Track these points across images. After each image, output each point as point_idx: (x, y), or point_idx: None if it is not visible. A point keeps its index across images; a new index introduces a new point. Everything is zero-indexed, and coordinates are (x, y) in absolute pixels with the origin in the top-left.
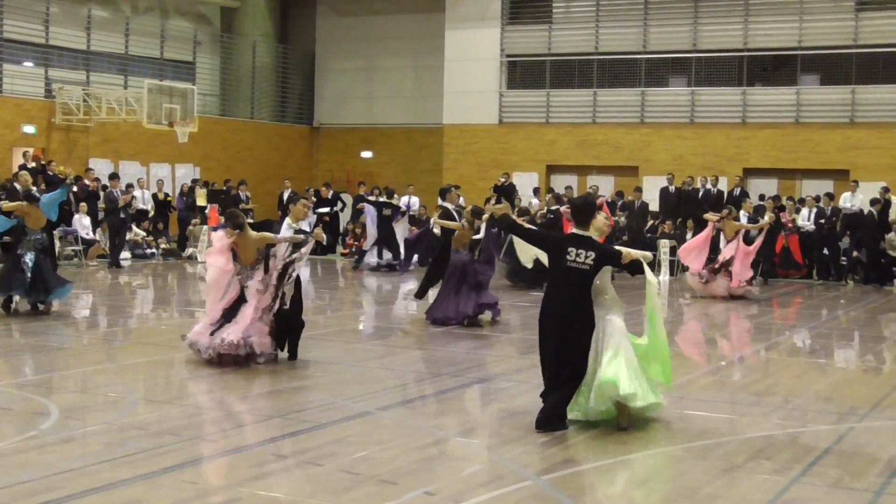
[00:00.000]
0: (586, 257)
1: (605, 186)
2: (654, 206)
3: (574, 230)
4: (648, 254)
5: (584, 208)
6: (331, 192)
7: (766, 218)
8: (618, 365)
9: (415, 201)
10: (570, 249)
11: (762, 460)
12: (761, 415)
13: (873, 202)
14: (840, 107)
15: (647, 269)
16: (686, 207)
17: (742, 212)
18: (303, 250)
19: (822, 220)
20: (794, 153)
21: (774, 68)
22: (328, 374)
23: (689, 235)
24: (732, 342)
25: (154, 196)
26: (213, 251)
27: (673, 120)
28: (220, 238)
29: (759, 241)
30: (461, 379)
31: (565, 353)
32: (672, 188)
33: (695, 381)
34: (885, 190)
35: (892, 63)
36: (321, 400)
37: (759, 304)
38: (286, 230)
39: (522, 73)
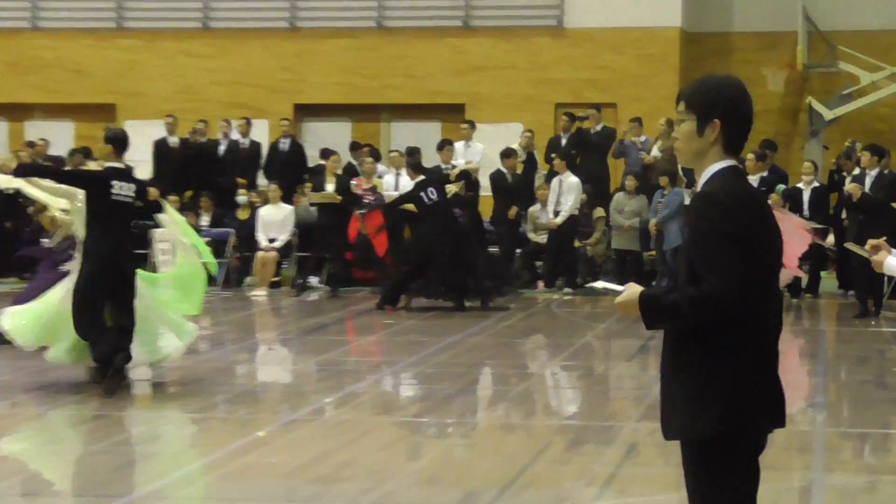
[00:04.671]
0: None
1: (47, 133)
2: (145, 169)
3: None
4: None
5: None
6: None
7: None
8: None
9: None
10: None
11: None
12: None
13: (505, 154)
14: (448, 0)
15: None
16: (198, 170)
17: None
18: None
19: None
20: (377, 79)
21: None
22: None
23: (204, 219)
24: (279, 396)
25: None
26: None
27: (174, 24)
28: None
29: None
30: None
31: None
32: (174, 140)
33: (216, 465)
34: (531, 137)
35: None
36: None
37: (324, 330)
38: None
39: None
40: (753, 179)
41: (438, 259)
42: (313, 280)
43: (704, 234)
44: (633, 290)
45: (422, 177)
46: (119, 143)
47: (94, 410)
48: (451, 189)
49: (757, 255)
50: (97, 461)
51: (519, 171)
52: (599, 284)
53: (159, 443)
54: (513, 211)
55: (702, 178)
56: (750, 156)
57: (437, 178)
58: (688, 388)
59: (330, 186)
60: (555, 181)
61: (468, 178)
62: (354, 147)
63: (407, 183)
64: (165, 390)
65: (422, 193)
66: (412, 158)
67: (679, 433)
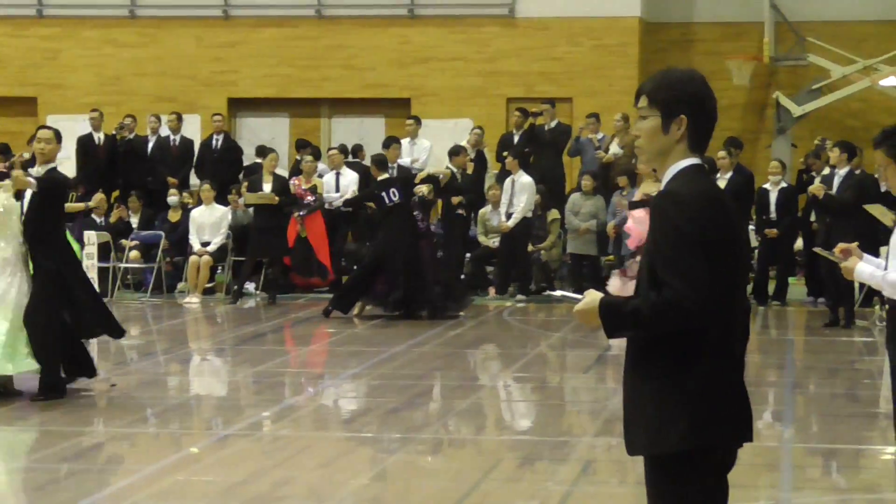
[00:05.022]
0: None
1: None
2: (68, 167)
3: None
4: None
5: None
6: None
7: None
8: None
9: None
10: None
11: None
12: None
13: (454, 152)
14: None
15: None
16: (125, 169)
17: None
18: None
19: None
20: (317, 71)
21: None
22: None
23: (134, 220)
24: (213, 410)
25: None
26: None
27: (97, 11)
28: None
29: None
30: None
31: None
32: (100, 137)
33: (145, 483)
34: (480, 134)
35: None
36: None
37: (262, 339)
38: None
39: None
40: (723, 179)
41: (393, 263)
42: (250, 286)
43: (667, 235)
44: (592, 297)
45: (385, 175)
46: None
47: (13, 426)
48: (422, 190)
49: (723, 259)
50: (16, 480)
51: (470, 170)
52: (557, 292)
53: (84, 460)
54: (456, 199)
55: (664, 177)
56: (721, 153)
57: (400, 178)
58: (653, 400)
59: (267, 186)
60: (507, 181)
61: (437, 184)
62: (304, 145)
63: (347, 183)
64: (91, 403)
65: (384, 193)
66: (378, 155)
67: (644, 448)
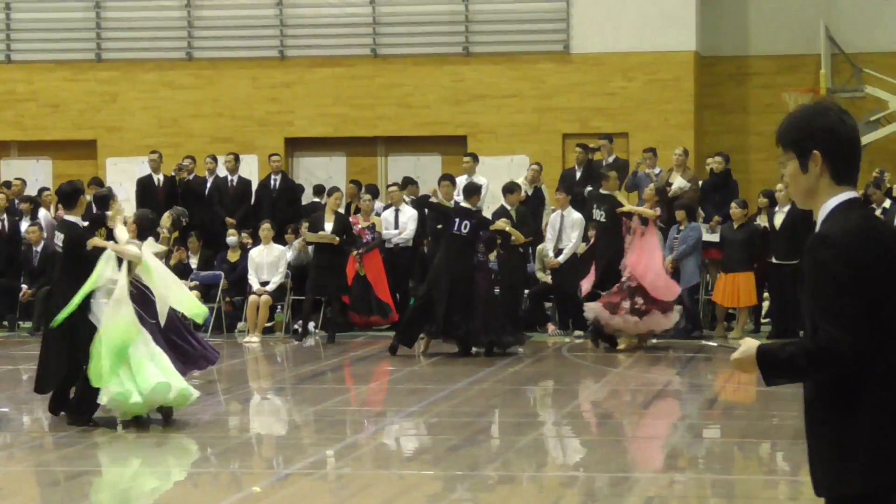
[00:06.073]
0: None
1: (23, 172)
2: (128, 208)
3: None
4: None
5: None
6: None
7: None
8: None
9: None
10: None
11: None
12: None
13: (508, 189)
14: (447, 26)
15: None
16: (189, 206)
17: None
18: None
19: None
20: (372, 109)
21: None
22: None
23: (193, 260)
24: (274, 449)
25: None
26: None
27: (154, 54)
28: None
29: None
30: None
31: None
32: (159, 178)
33: None
34: (538, 170)
35: None
36: None
37: (322, 378)
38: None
39: None
40: (781, 212)
41: (441, 291)
42: (309, 325)
43: (820, 279)
44: (748, 345)
45: (468, 206)
46: None
47: (72, 466)
48: (499, 226)
49: (881, 300)
50: None
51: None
52: (712, 343)
53: (145, 500)
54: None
55: (819, 216)
56: (780, 186)
57: (477, 216)
58: (830, 440)
59: (329, 226)
60: (555, 216)
61: (507, 240)
62: (409, 182)
63: (406, 219)
64: (153, 443)
65: (457, 219)
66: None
67: (826, 489)
